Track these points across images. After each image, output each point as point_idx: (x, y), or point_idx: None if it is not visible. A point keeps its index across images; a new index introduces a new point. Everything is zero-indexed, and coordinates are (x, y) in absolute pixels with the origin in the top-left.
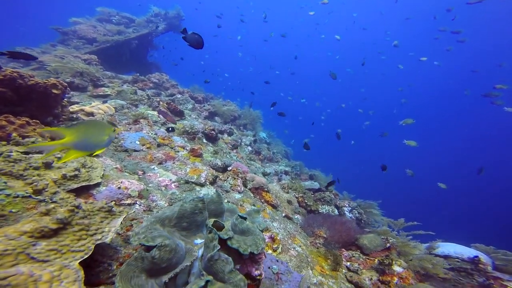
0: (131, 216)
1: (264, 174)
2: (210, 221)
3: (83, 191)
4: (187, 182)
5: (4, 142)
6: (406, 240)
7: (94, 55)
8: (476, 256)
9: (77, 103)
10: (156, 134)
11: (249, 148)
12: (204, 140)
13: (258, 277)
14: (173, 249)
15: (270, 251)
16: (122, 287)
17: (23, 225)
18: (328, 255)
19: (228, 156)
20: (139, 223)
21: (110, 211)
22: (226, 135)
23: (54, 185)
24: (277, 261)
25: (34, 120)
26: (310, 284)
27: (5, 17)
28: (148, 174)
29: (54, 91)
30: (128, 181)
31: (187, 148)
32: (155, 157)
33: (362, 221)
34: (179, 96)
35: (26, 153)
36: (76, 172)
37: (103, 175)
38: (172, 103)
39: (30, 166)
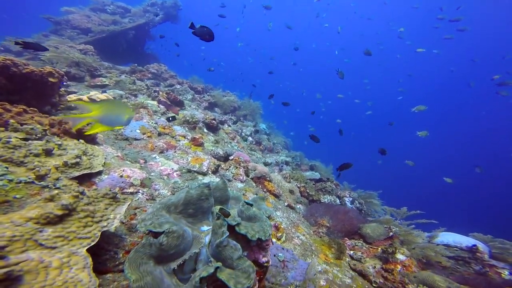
0: (134, 204)
1: (265, 164)
2: (216, 208)
3: (85, 179)
4: (189, 171)
5: (2, 129)
6: (409, 229)
7: (90, 45)
8: (474, 245)
9: (75, 93)
10: (156, 123)
11: (250, 138)
12: (205, 130)
13: (265, 264)
14: (180, 235)
15: (274, 240)
16: (131, 273)
17: (28, 211)
18: (332, 243)
19: (229, 145)
20: (142, 211)
21: (114, 198)
22: (226, 126)
23: (56, 172)
24: (283, 249)
25: (31, 108)
26: (316, 271)
27: None
28: (150, 163)
29: (51, 79)
30: (130, 170)
31: (188, 137)
32: (156, 146)
33: (363, 211)
34: (178, 86)
35: (25, 139)
36: (78, 160)
37: (104, 163)
38: (171, 93)
39: (30, 153)
